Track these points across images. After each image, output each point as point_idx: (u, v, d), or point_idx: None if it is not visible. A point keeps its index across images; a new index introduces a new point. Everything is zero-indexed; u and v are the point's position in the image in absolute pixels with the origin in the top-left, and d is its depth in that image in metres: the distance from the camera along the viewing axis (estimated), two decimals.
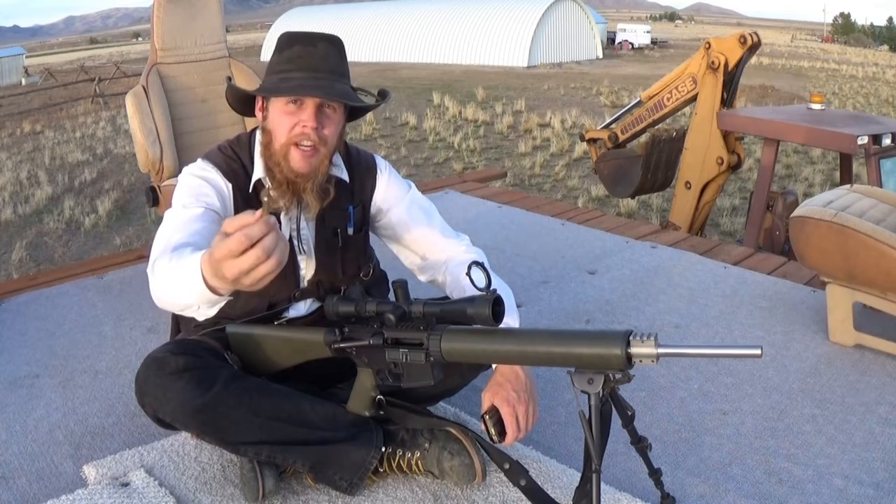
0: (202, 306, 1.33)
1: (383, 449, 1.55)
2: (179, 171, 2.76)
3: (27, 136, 14.83)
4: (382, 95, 1.65)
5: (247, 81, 3.05)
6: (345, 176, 1.63)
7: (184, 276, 1.22)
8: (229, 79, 1.69)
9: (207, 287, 1.16)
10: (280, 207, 1.54)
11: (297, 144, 1.49)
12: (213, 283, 1.14)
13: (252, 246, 1.04)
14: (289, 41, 1.51)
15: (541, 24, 30.15)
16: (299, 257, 1.61)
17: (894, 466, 1.72)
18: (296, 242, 1.60)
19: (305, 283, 1.63)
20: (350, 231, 1.64)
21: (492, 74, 24.93)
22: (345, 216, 1.64)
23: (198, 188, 1.52)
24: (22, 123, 16.07)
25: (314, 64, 1.49)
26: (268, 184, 1.56)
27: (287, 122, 1.49)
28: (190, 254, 1.26)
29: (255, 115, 1.59)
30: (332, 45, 1.52)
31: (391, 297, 1.40)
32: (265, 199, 1.41)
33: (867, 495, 1.62)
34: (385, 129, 14.52)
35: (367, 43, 32.40)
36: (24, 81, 28.75)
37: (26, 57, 36.97)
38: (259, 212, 1.05)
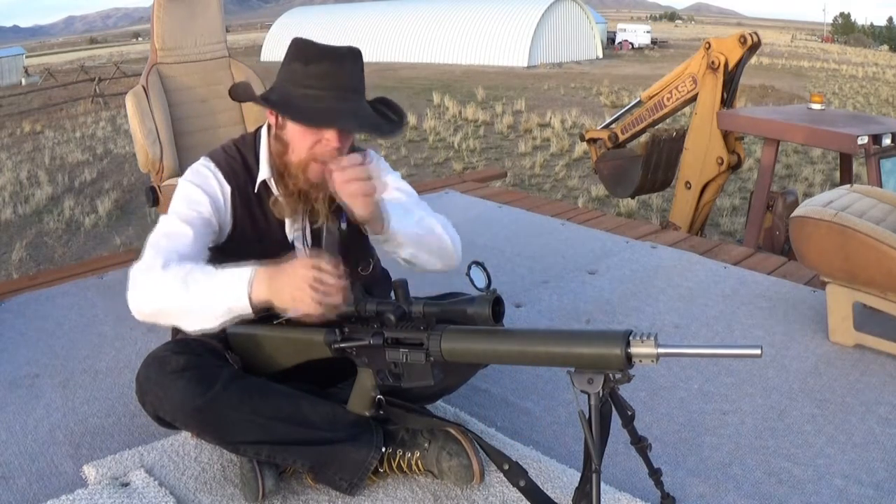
0: (217, 318, 1.40)
1: (383, 449, 1.55)
2: (180, 171, 2.79)
3: (27, 136, 14.82)
4: (398, 113, 1.62)
5: (246, 81, 3.04)
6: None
7: (218, 285, 1.38)
8: (241, 88, 1.63)
9: (249, 300, 1.36)
10: (288, 215, 1.56)
11: (316, 160, 1.49)
12: (264, 297, 1.35)
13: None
14: (318, 55, 1.47)
15: (541, 24, 30.14)
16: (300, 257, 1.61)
17: (894, 466, 1.72)
18: (298, 244, 1.61)
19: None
20: (343, 225, 1.63)
21: (492, 74, 24.93)
22: (339, 209, 1.63)
23: (194, 198, 1.54)
24: (22, 123, 16.06)
25: (342, 83, 1.48)
26: (274, 187, 1.57)
27: (310, 139, 1.49)
28: (219, 268, 1.40)
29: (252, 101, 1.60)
30: (356, 63, 1.50)
31: (391, 296, 1.40)
32: (274, 206, 1.52)
33: (867, 495, 1.62)
34: None
35: (367, 43, 32.31)
36: (24, 81, 28.74)
37: (26, 57, 36.94)
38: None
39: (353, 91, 1.50)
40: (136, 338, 2.38)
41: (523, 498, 1.43)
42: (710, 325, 2.49)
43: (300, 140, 1.50)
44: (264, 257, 1.56)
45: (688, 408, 1.98)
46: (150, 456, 1.67)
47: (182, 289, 1.39)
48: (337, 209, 1.59)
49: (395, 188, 1.70)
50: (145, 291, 1.42)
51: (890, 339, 2.23)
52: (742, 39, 5.07)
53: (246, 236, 1.58)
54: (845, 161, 5.18)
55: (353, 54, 1.50)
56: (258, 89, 3.04)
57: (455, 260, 1.67)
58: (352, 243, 1.66)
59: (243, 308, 1.38)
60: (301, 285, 1.31)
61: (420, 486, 1.59)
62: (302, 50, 1.49)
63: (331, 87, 1.46)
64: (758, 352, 1.09)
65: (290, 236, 1.61)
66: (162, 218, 1.53)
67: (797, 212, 2.30)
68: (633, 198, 7.09)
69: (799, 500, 1.61)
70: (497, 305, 1.27)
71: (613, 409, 1.28)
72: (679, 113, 6.33)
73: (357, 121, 1.50)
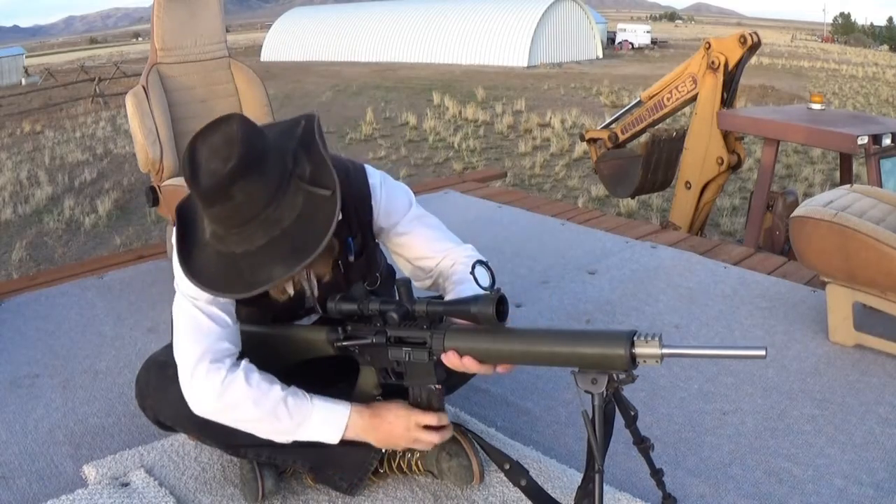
0: (290, 439, 1.42)
1: (383, 449, 1.55)
2: (179, 171, 2.79)
3: (27, 136, 14.82)
4: (327, 182, 1.32)
5: (246, 81, 3.06)
6: (339, 214, 1.43)
7: (310, 426, 1.40)
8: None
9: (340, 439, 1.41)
10: (282, 293, 1.46)
11: None
12: (362, 439, 1.43)
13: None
14: (209, 199, 1.26)
15: (541, 24, 30.13)
16: (307, 292, 1.57)
17: (894, 466, 1.72)
18: (308, 294, 1.52)
19: (310, 304, 1.60)
20: (351, 259, 1.55)
21: (492, 74, 24.91)
22: (344, 244, 1.54)
23: None
24: (22, 123, 16.06)
25: (246, 216, 1.26)
26: None
27: None
28: (310, 399, 1.42)
29: None
30: (249, 178, 1.24)
31: (395, 295, 1.39)
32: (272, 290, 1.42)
33: (867, 495, 1.62)
34: (385, 129, 14.52)
35: (367, 43, 32.39)
36: (24, 81, 28.73)
37: (26, 57, 36.89)
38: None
39: (264, 207, 1.26)
40: (136, 338, 2.38)
41: (523, 498, 1.44)
42: (710, 325, 2.49)
43: None
44: (275, 309, 1.52)
45: (688, 408, 1.98)
46: (150, 456, 1.67)
47: (264, 414, 1.37)
48: (343, 245, 1.51)
49: (430, 227, 1.61)
50: (214, 407, 1.37)
51: (890, 339, 2.23)
52: (742, 39, 5.08)
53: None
54: (845, 161, 5.19)
55: (241, 169, 1.23)
56: (258, 90, 3.06)
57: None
58: (356, 270, 1.58)
59: (331, 441, 1.42)
60: (414, 436, 1.41)
61: (420, 486, 1.59)
62: (192, 185, 1.27)
63: (237, 224, 1.27)
64: (762, 353, 1.08)
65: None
66: (184, 301, 1.41)
67: (797, 212, 2.30)
68: (633, 198, 7.09)
69: (799, 500, 1.61)
70: (501, 305, 1.26)
71: (616, 409, 1.28)
72: (679, 113, 6.33)
73: (276, 271, 1.28)
